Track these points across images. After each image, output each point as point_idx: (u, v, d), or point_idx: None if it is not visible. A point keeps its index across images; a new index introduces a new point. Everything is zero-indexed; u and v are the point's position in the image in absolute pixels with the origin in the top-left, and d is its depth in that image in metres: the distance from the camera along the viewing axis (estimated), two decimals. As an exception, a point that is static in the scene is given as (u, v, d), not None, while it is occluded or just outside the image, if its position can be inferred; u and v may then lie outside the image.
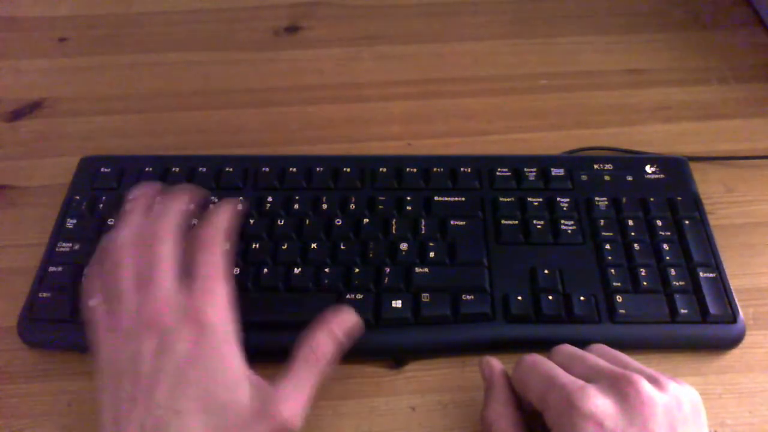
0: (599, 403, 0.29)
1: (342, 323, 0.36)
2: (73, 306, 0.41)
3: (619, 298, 0.41)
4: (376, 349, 0.41)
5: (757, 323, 0.42)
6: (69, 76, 0.59)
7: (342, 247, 0.43)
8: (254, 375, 0.33)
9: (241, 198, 0.45)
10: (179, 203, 0.37)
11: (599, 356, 0.34)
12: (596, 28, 0.63)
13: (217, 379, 0.32)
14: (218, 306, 0.33)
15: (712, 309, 0.40)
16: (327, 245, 0.43)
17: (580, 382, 0.31)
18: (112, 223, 0.44)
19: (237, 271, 0.42)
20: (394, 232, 0.44)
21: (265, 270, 0.42)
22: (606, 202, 0.46)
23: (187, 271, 0.34)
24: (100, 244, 0.37)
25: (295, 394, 0.33)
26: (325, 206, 0.45)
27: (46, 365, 0.41)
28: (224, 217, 0.37)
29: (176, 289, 0.33)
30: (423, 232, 0.44)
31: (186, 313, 0.32)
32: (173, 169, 0.47)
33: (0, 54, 0.61)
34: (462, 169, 0.47)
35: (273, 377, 0.33)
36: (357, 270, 0.42)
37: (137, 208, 0.37)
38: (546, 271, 0.42)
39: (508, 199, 0.46)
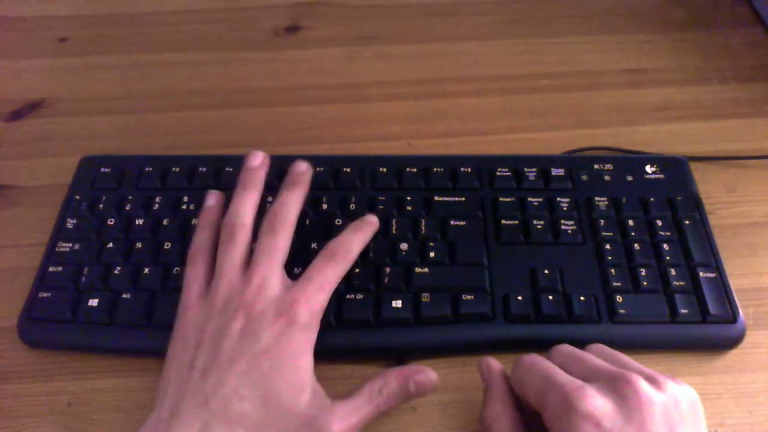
0: (597, 402, 0.29)
1: (420, 380, 0.36)
2: (73, 306, 0.41)
3: (619, 298, 0.41)
4: (376, 349, 0.41)
5: (757, 323, 0.42)
6: (69, 76, 0.59)
7: (342, 247, 0.43)
8: (318, 384, 0.34)
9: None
10: (299, 197, 0.39)
11: (598, 356, 0.34)
12: (596, 28, 0.63)
13: (286, 377, 0.33)
14: (312, 311, 0.35)
15: (712, 309, 0.40)
16: (327, 245, 0.43)
17: (579, 382, 0.31)
18: (112, 223, 0.45)
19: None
20: (394, 232, 0.44)
21: (265, 270, 0.42)
22: (606, 202, 0.46)
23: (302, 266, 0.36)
24: (205, 207, 0.40)
25: (349, 418, 0.34)
26: (325, 206, 0.45)
27: (46, 365, 0.41)
28: (358, 237, 0.39)
29: (278, 280, 0.35)
30: (423, 232, 0.44)
31: (280, 306, 0.34)
32: (173, 169, 0.47)
33: (0, 54, 0.61)
34: (462, 169, 0.47)
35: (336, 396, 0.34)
36: (357, 270, 0.42)
37: (252, 185, 0.39)
38: (546, 271, 0.42)
39: (508, 199, 0.46)
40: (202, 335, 0.34)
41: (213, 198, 0.41)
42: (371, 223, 0.41)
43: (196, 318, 0.35)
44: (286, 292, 0.35)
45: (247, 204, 0.38)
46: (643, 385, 0.30)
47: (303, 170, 0.41)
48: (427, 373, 0.36)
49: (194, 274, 0.37)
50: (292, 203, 0.39)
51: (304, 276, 0.36)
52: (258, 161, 0.41)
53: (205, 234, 0.39)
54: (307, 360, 0.34)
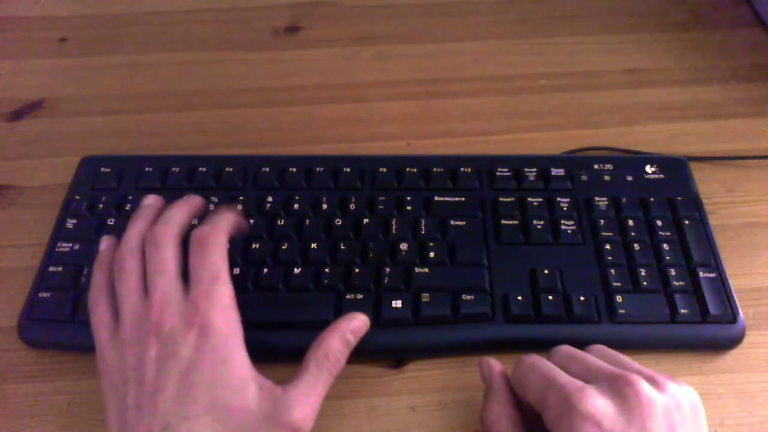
0: (598, 403, 0.29)
1: (354, 328, 0.36)
2: (73, 306, 0.41)
3: (619, 298, 0.41)
4: (376, 349, 0.41)
5: (757, 323, 0.42)
6: (69, 76, 0.59)
7: (342, 247, 0.43)
8: (261, 377, 0.33)
9: (241, 198, 0.45)
10: (181, 210, 0.37)
11: (598, 357, 0.34)
12: (596, 28, 0.63)
13: (222, 382, 0.32)
14: (219, 308, 0.33)
15: (712, 309, 0.40)
16: (327, 245, 0.43)
17: (579, 383, 0.31)
18: (112, 223, 0.45)
19: (237, 271, 0.42)
20: (394, 232, 0.44)
21: (265, 270, 0.42)
22: (606, 202, 0.46)
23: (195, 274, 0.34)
24: (98, 251, 0.38)
25: (305, 399, 0.33)
26: (325, 206, 0.45)
27: (46, 365, 0.41)
28: (221, 218, 0.36)
29: (179, 295, 0.33)
30: (423, 232, 0.44)
31: (188, 317, 0.32)
32: (173, 169, 0.47)
33: (0, 54, 0.61)
34: (462, 169, 0.47)
35: (283, 380, 0.33)
36: (357, 270, 0.42)
37: (142, 217, 0.37)
38: (546, 271, 0.42)
39: (508, 199, 0.46)
40: (124, 373, 0.32)
41: (104, 243, 0.38)
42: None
43: (113, 358, 0.33)
44: (187, 301, 0.33)
45: (132, 233, 0.36)
46: (644, 386, 0.30)
47: (198, 199, 0.39)
48: (356, 317, 0.36)
49: (98, 317, 0.35)
50: (174, 217, 0.36)
51: (192, 279, 0.34)
52: (151, 200, 0.39)
53: (99, 275, 0.37)
54: (238, 358, 0.33)
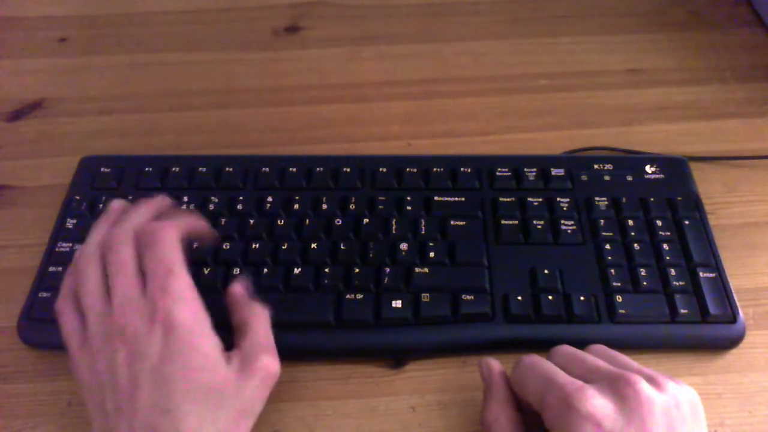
0: (598, 403, 0.29)
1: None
2: (73, 306, 0.41)
3: (619, 298, 0.41)
4: (376, 349, 0.41)
5: (757, 323, 0.42)
6: (69, 76, 0.59)
7: (342, 247, 0.43)
8: (226, 351, 0.34)
9: (241, 198, 0.45)
10: (138, 211, 0.37)
11: (598, 357, 0.34)
12: (596, 28, 0.63)
13: (197, 366, 0.32)
14: (178, 300, 0.33)
15: (712, 309, 0.40)
16: (327, 245, 0.43)
17: (579, 383, 0.31)
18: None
19: (237, 271, 0.42)
20: (394, 232, 0.44)
21: (265, 270, 0.42)
22: (606, 202, 0.46)
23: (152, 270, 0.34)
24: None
25: (263, 347, 0.35)
26: (325, 206, 0.45)
27: (46, 365, 0.41)
28: (174, 217, 0.37)
29: (138, 293, 0.33)
30: (423, 232, 0.44)
31: (149, 315, 0.32)
32: (173, 169, 0.47)
33: (0, 54, 0.61)
34: (462, 169, 0.47)
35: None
36: (357, 270, 0.42)
37: (102, 221, 0.37)
38: (546, 271, 0.42)
39: (508, 199, 0.46)
40: (99, 379, 0.33)
41: (77, 252, 0.37)
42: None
43: (85, 366, 0.34)
44: (146, 297, 0.33)
45: (91, 239, 0.36)
46: (644, 386, 0.30)
47: (162, 199, 0.39)
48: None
49: (66, 326, 0.35)
50: (130, 219, 0.36)
51: (146, 275, 0.34)
52: (116, 205, 0.39)
53: (67, 282, 0.36)
54: (206, 343, 0.33)
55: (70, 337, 0.34)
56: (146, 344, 0.32)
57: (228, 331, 0.36)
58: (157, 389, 0.31)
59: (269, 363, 0.34)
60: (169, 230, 0.35)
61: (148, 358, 0.32)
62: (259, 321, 0.36)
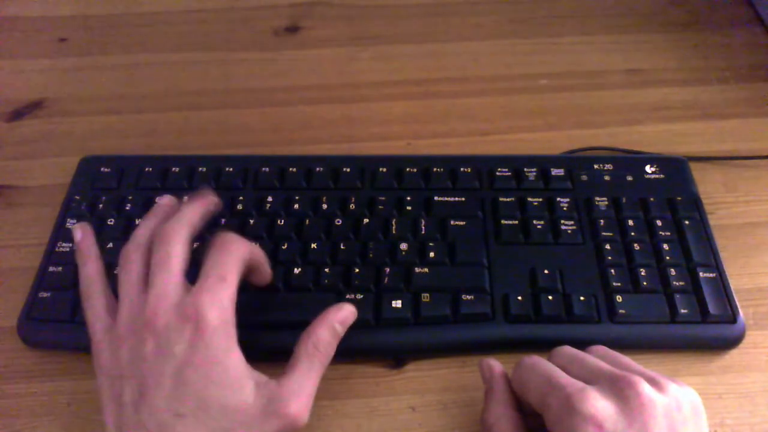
0: (599, 405, 0.29)
1: (341, 317, 0.36)
2: (73, 306, 0.41)
3: (619, 298, 0.41)
4: (376, 349, 0.41)
5: (757, 323, 0.42)
6: (69, 76, 0.59)
7: (342, 247, 0.43)
8: (256, 372, 0.33)
9: (241, 198, 0.45)
10: (193, 209, 0.37)
11: (599, 358, 0.34)
12: (596, 28, 0.63)
13: (216, 380, 0.32)
14: (217, 305, 0.33)
15: (712, 309, 0.40)
16: (327, 245, 0.43)
17: (580, 384, 0.31)
18: (111, 223, 0.45)
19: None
20: (394, 232, 0.44)
21: (265, 270, 0.42)
22: (606, 202, 0.46)
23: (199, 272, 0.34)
24: (76, 242, 0.38)
25: (300, 390, 0.33)
26: (325, 206, 0.45)
27: (46, 365, 0.41)
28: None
29: (178, 290, 0.33)
30: (423, 232, 0.44)
31: (183, 312, 0.32)
32: (173, 169, 0.47)
33: (0, 54, 0.61)
34: (462, 169, 0.47)
35: (276, 375, 0.34)
36: (357, 270, 0.42)
37: (153, 214, 0.38)
38: (546, 271, 0.42)
39: (508, 199, 0.46)
40: (120, 368, 0.32)
41: (79, 232, 0.38)
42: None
43: (108, 352, 0.33)
44: (187, 296, 0.33)
45: (142, 229, 0.36)
46: (645, 387, 0.30)
47: (211, 198, 0.39)
48: (343, 307, 0.36)
49: (93, 310, 0.35)
50: (185, 215, 0.36)
51: (200, 275, 0.34)
52: (166, 200, 0.39)
53: (89, 268, 0.36)
54: (233, 357, 0.33)
55: (95, 324, 0.34)
56: (175, 342, 0.32)
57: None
58: (175, 391, 0.31)
59: (297, 414, 0.32)
60: (242, 247, 0.35)
61: (174, 357, 0.31)
62: (311, 364, 0.34)
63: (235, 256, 0.35)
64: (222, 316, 0.33)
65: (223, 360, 0.32)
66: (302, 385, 0.33)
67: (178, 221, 0.36)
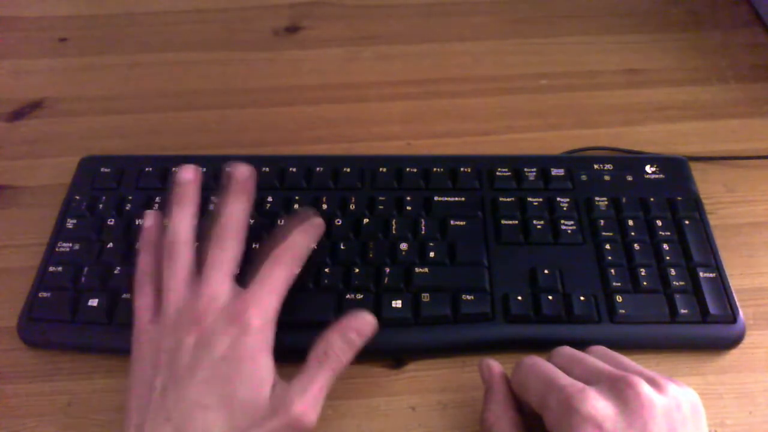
0: (599, 405, 0.29)
1: (357, 326, 0.36)
2: (73, 306, 0.41)
3: (619, 298, 0.41)
4: (376, 349, 0.40)
5: (757, 323, 0.42)
6: (69, 76, 0.59)
7: (342, 247, 0.43)
8: (279, 378, 0.34)
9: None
10: (244, 202, 0.38)
11: (599, 358, 0.34)
12: (596, 28, 0.63)
13: (244, 378, 0.33)
14: (262, 313, 0.34)
15: (712, 309, 0.40)
16: (327, 245, 0.43)
17: (580, 385, 0.31)
18: (111, 223, 0.45)
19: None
20: (394, 232, 0.44)
21: (265, 270, 0.42)
22: (606, 202, 0.46)
23: (249, 273, 0.36)
24: (143, 228, 0.39)
25: (306, 393, 0.33)
26: (325, 206, 0.45)
27: (46, 365, 0.41)
28: (304, 238, 0.38)
29: (228, 290, 0.35)
30: (423, 232, 0.44)
31: (231, 315, 0.34)
32: (173, 169, 0.47)
33: (0, 54, 0.61)
34: (462, 169, 0.47)
35: (290, 376, 0.34)
36: (357, 270, 0.42)
37: (187, 197, 0.39)
38: (546, 271, 0.42)
39: (508, 199, 0.46)
40: (158, 355, 0.34)
41: (150, 218, 0.40)
42: (317, 225, 0.40)
43: (149, 341, 0.35)
44: (236, 300, 0.35)
45: (185, 219, 0.38)
46: (645, 388, 0.30)
47: (247, 176, 0.40)
48: (361, 316, 0.36)
49: (142, 300, 0.36)
50: (238, 211, 0.38)
51: (253, 282, 0.36)
52: (190, 175, 0.40)
53: (147, 258, 0.38)
54: (264, 360, 0.34)
55: (143, 312, 0.36)
56: (217, 339, 0.33)
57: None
58: (206, 383, 0.32)
59: (305, 417, 0.33)
60: (299, 256, 0.38)
61: (212, 352, 0.33)
62: (320, 368, 0.34)
63: (290, 270, 0.37)
64: (264, 326, 0.34)
65: (254, 361, 0.33)
66: (307, 388, 0.33)
67: (234, 218, 0.37)
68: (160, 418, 0.32)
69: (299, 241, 0.38)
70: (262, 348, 0.34)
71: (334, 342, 0.35)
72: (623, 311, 0.40)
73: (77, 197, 0.46)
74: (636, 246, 0.43)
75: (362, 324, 0.36)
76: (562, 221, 0.44)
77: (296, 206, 0.45)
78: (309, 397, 0.33)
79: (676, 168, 0.48)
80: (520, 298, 0.41)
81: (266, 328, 0.35)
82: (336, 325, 0.36)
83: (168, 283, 0.36)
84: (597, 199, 0.46)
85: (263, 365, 0.34)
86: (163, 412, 0.32)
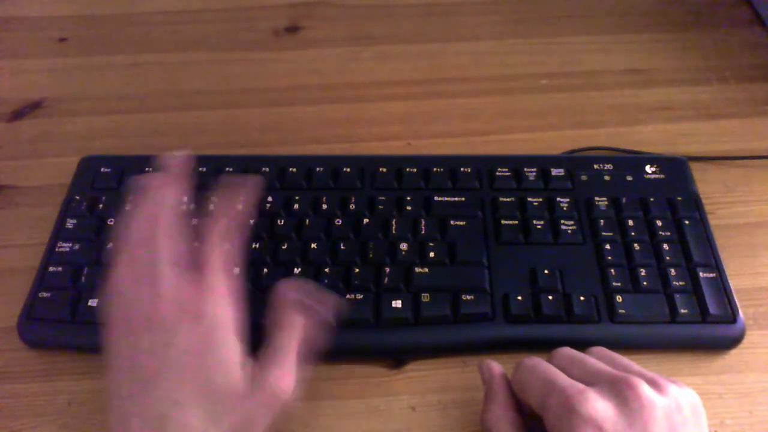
0: (599, 406, 0.29)
1: (306, 289, 0.37)
2: (73, 306, 0.41)
3: (619, 298, 0.41)
4: (376, 349, 0.41)
5: (757, 323, 0.42)
6: (69, 76, 0.59)
7: (342, 247, 0.43)
8: (246, 356, 0.33)
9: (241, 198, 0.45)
10: (174, 190, 0.36)
11: (599, 359, 0.34)
12: (596, 28, 0.63)
13: (213, 367, 0.32)
14: (218, 298, 0.33)
15: (712, 309, 0.40)
16: (327, 245, 0.43)
17: (580, 386, 0.31)
18: (112, 223, 0.45)
19: (237, 271, 0.42)
20: (394, 232, 0.44)
21: (265, 270, 0.42)
22: (606, 202, 0.46)
23: (196, 263, 0.34)
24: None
25: (277, 361, 0.33)
26: (325, 206, 0.45)
27: (46, 365, 0.41)
28: (235, 206, 0.37)
29: (179, 284, 0.33)
30: (423, 232, 0.44)
31: (185, 307, 0.32)
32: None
33: (0, 54, 0.61)
34: (462, 169, 0.47)
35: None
36: (357, 270, 0.42)
37: (141, 201, 0.37)
38: (546, 271, 0.42)
39: (508, 199, 0.46)
40: (120, 362, 0.32)
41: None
42: (245, 187, 0.38)
43: (113, 347, 0.33)
44: (184, 290, 0.33)
45: (139, 221, 0.35)
46: (645, 389, 0.30)
47: (176, 164, 0.37)
48: (303, 282, 0.37)
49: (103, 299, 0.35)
50: (161, 203, 0.35)
51: (199, 269, 0.34)
52: (154, 182, 0.37)
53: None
54: (229, 342, 0.33)
55: (105, 317, 0.34)
56: (175, 334, 0.32)
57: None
58: (174, 380, 0.31)
59: (281, 382, 0.33)
60: (232, 229, 0.36)
61: (174, 349, 0.32)
62: (285, 333, 0.34)
63: (230, 243, 0.36)
64: (221, 308, 0.33)
65: (221, 350, 0.32)
66: (278, 356, 0.33)
67: (157, 214, 0.35)
68: (137, 424, 0.31)
69: (229, 212, 0.36)
70: (224, 331, 0.33)
71: (290, 307, 0.35)
72: (623, 311, 0.40)
73: (77, 197, 0.46)
74: (636, 246, 0.43)
75: (309, 286, 0.37)
76: (562, 221, 0.44)
77: (296, 206, 0.45)
78: (284, 368, 0.33)
79: (676, 168, 0.48)
80: (520, 298, 0.41)
81: (223, 309, 0.33)
82: (281, 289, 0.36)
83: (120, 286, 0.34)
84: (597, 199, 0.46)
85: (230, 347, 0.33)
86: (138, 417, 0.31)
